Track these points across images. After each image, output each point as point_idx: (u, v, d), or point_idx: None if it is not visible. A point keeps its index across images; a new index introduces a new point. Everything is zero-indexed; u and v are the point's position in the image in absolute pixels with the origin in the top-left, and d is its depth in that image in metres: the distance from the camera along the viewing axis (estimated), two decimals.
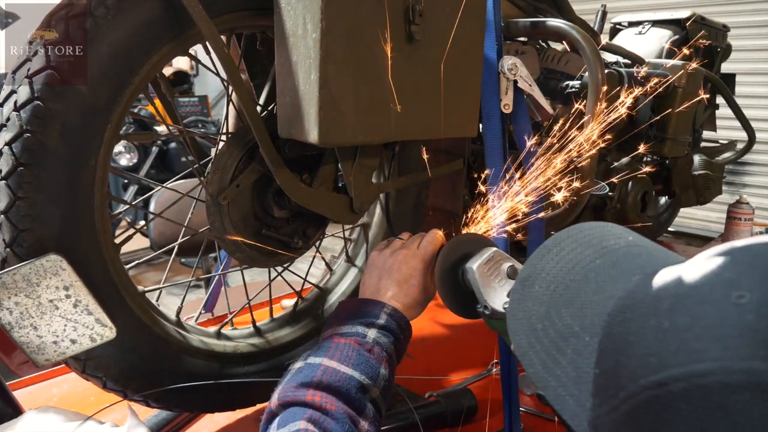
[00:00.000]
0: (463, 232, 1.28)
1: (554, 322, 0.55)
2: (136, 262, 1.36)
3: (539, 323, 0.56)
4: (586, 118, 1.51)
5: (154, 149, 4.79)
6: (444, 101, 1.20)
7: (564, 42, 1.96)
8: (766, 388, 0.41)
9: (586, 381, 0.50)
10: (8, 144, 0.94)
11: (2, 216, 0.96)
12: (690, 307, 0.47)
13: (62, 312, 0.97)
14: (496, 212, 1.32)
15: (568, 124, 1.93)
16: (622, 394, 0.47)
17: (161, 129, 3.96)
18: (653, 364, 0.46)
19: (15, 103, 0.94)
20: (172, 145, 5.06)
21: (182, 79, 7.03)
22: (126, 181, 4.92)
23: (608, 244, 0.61)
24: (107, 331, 1.00)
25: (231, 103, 1.30)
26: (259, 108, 1.28)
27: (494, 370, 1.67)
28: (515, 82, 1.29)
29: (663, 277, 0.51)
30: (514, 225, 1.69)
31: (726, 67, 2.91)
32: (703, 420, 0.42)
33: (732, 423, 0.41)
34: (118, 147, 4.72)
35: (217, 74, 1.16)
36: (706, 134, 2.90)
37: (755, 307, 0.44)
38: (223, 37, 1.17)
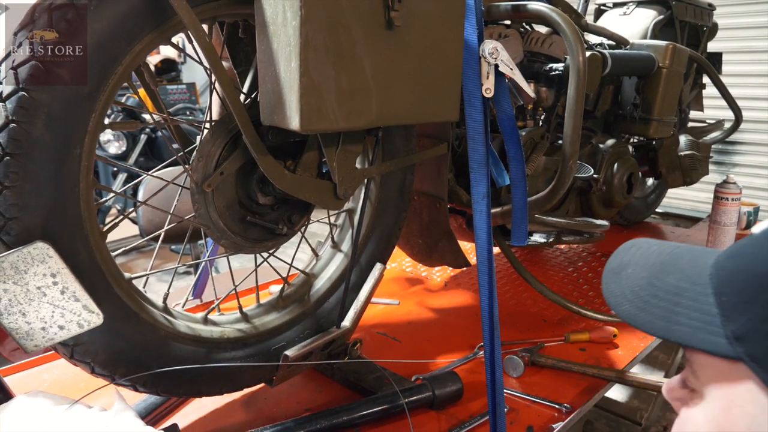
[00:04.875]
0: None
1: (659, 287, 0.66)
2: (123, 249, 1.37)
3: (643, 292, 0.68)
4: (568, 100, 1.52)
5: (143, 137, 4.79)
6: (425, 86, 1.21)
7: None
8: None
9: (712, 314, 0.60)
10: None
11: None
12: None
13: (50, 299, 0.98)
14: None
15: (551, 107, 1.95)
16: (764, 296, 0.56)
17: (148, 117, 3.96)
18: None
19: (0, 94, 0.95)
20: (161, 132, 5.05)
21: (170, 66, 7.03)
22: (115, 169, 4.93)
23: (671, 244, 0.74)
24: (94, 317, 1.02)
25: (215, 91, 1.30)
26: (243, 96, 1.29)
27: (480, 353, 1.69)
28: (496, 66, 1.29)
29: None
30: (498, 209, 1.71)
31: (713, 46, 2.91)
32: None
33: None
34: (107, 135, 4.72)
35: (200, 62, 1.17)
36: (694, 114, 2.91)
37: None
38: (204, 26, 1.18)
